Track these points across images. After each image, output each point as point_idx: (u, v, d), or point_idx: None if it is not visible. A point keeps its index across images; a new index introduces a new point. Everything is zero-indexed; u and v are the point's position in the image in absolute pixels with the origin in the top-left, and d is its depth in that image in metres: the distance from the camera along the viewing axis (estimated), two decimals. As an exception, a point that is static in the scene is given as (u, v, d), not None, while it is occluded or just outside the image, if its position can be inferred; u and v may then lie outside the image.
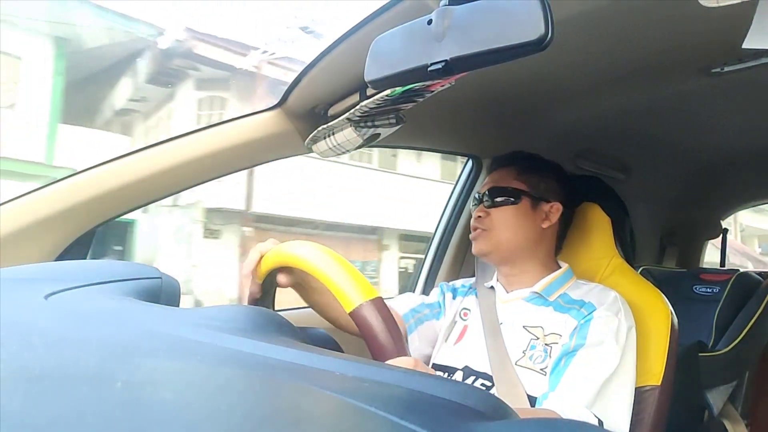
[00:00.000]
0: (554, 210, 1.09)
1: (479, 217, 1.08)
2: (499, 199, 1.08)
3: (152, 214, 8.55)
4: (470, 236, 1.10)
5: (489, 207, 1.08)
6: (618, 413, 0.90)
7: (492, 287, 1.12)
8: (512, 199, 1.07)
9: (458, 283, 1.22)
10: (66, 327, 0.41)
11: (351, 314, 0.63)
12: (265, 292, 0.83)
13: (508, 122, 1.42)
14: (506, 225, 1.06)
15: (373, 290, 0.64)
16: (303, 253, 0.71)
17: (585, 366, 0.90)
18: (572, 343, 0.94)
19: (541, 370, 0.95)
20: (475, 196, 1.13)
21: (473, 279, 1.21)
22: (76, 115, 7.78)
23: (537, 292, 1.05)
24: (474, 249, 1.10)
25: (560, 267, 1.10)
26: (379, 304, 0.63)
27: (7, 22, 6.62)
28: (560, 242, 1.13)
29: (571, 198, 1.14)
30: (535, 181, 1.09)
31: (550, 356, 0.96)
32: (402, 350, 0.62)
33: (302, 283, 0.92)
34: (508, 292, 1.09)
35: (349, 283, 0.65)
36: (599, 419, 0.86)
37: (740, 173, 1.98)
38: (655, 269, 1.88)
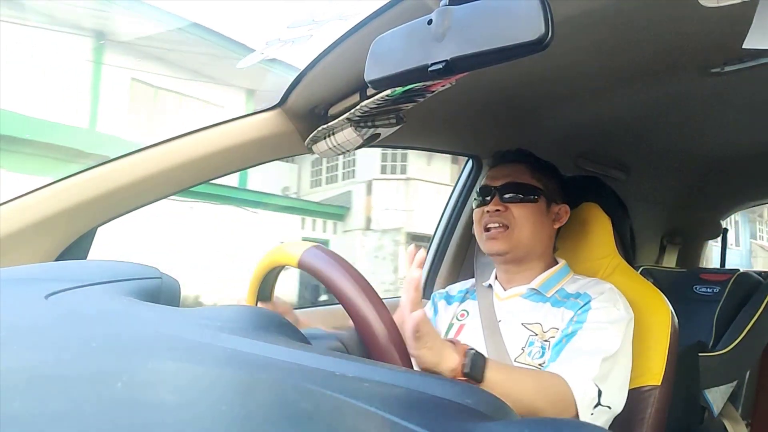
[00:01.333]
0: (563, 212, 1.10)
1: (497, 210, 1.04)
2: (517, 195, 1.05)
3: (347, 236, 10.79)
4: (486, 234, 1.05)
5: (506, 202, 1.04)
6: (617, 394, 0.89)
7: (490, 285, 1.12)
8: (532, 196, 1.05)
9: (454, 289, 1.22)
10: (66, 327, 0.41)
11: (299, 266, 0.68)
12: (263, 295, 0.85)
13: (509, 122, 1.42)
14: (529, 223, 1.03)
15: (311, 243, 0.70)
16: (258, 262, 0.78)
17: (586, 343, 0.90)
18: (570, 327, 0.94)
19: (539, 365, 0.95)
20: (479, 190, 1.10)
21: (470, 282, 1.21)
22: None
23: (534, 289, 1.05)
24: (491, 248, 1.04)
25: (558, 263, 1.10)
26: (321, 247, 0.69)
27: (213, 79, 8.71)
28: (555, 242, 1.14)
29: (571, 200, 1.15)
30: (546, 181, 1.09)
31: (548, 351, 0.96)
32: (358, 278, 0.65)
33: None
34: (505, 290, 1.09)
35: (286, 248, 0.72)
36: (599, 389, 0.85)
37: (740, 173, 1.97)
38: (655, 269, 1.87)
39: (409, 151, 10.16)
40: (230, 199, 9.05)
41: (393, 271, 9.92)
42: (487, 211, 1.05)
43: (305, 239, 9.72)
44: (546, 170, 1.11)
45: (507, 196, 1.05)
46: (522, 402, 0.77)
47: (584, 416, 0.83)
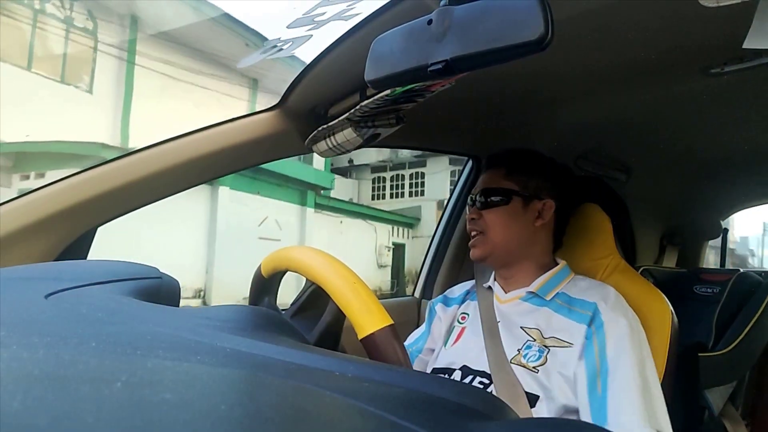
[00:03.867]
0: (547, 207, 1.08)
1: (473, 219, 1.09)
2: (490, 200, 1.08)
3: (416, 241, 13.67)
4: (469, 243, 1.11)
5: (481, 209, 1.08)
6: (663, 413, 0.90)
7: (490, 287, 1.12)
8: (503, 199, 1.07)
9: (455, 291, 1.23)
10: (66, 327, 0.41)
11: (362, 341, 0.63)
12: (268, 291, 0.84)
13: (508, 122, 1.42)
14: (499, 226, 1.06)
15: (387, 317, 0.64)
16: (317, 265, 0.71)
17: (622, 384, 0.89)
18: (597, 365, 0.92)
19: (534, 368, 0.95)
20: (470, 199, 1.13)
21: (470, 283, 1.21)
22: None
23: (533, 292, 1.05)
24: (472, 254, 1.10)
25: (557, 264, 1.10)
26: (393, 332, 0.63)
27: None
28: (558, 239, 1.13)
29: (567, 194, 1.13)
30: (524, 179, 1.08)
31: (546, 357, 0.96)
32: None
33: None
34: (506, 292, 1.10)
35: (364, 308, 0.65)
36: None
37: (741, 173, 1.97)
38: (656, 269, 1.87)
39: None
40: (332, 209, 11.60)
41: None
42: (469, 220, 1.10)
43: (395, 243, 13.29)
44: (526, 168, 1.10)
45: (480, 202, 1.09)
46: None
47: None
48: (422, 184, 14.95)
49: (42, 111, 7.34)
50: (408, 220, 14.08)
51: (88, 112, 7.95)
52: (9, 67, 7.51)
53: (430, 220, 14.03)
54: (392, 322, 0.63)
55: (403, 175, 15.45)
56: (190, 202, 8.88)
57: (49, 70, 8.04)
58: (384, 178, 15.71)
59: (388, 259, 12.91)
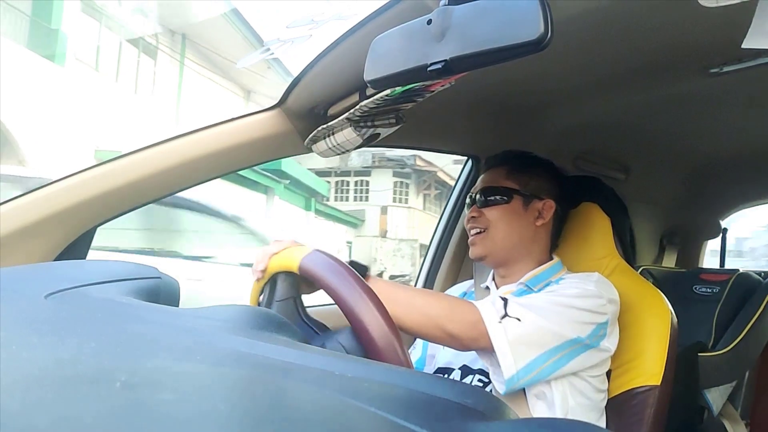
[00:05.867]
0: (547, 207, 1.09)
1: (473, 217, 1.09)
2: (491, 199, 1.08)
3: (359, 239, 16.00)
4: (468, 240, 1.11)
5: (482, 207, 1.09)
6: (529, 314, 0.88)
7: (487, 287, 1.13)
8: (504, 198, 1.08)
9: (454, 291, 1.23)
10: (65, 327, 0.41)
11: (300, 271, 0.70)
12: (270, 290, 0.84)
13: (508, 122, 1.42)
14: (500, 223, 1.07)
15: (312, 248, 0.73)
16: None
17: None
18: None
19: None
20: (469, 198, 1.14)
21: (468, 283, 1.22)
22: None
23: (524, 284, 1.06)
24: (471, 253, 1.10)
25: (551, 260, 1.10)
26: (321, 251, 0.70)
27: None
28: (555, 239, 1.14)
29: (565, 194, 1.14)
30: (525, 180, 1.09)
31: None
32: (361, 283, 0.64)
33: None
34: (498, 289, 1.10)
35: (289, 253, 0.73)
36: (505, 300, 0.90)
37: (740, 173, 1.97)
38: (655, 269, 1.87)
39: (410, 189, 17.19)
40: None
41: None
42: (469, 218, 1.11)
43: (348, 241, 15.41)
44: (527, 168, 1.11)
45: (481, 201, 1.09)
46: (416, 308, 0.85)
47: (492, 327, 0.85)
48: (367, 191, 17.37)
49: (125, 120, 8.18)
50: (355, 221, 16.42)
51: (152, 120, 8.86)
52: (101, 78, 8.55)
53: (373, 223, 16.68)
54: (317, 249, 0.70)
55: (347, 182, 17.63)
56: (253, 209, 10.01)
57: (128, 81, 9.27)
58: (328, 182, 17.85)
59: (345, 255, 15.18)
